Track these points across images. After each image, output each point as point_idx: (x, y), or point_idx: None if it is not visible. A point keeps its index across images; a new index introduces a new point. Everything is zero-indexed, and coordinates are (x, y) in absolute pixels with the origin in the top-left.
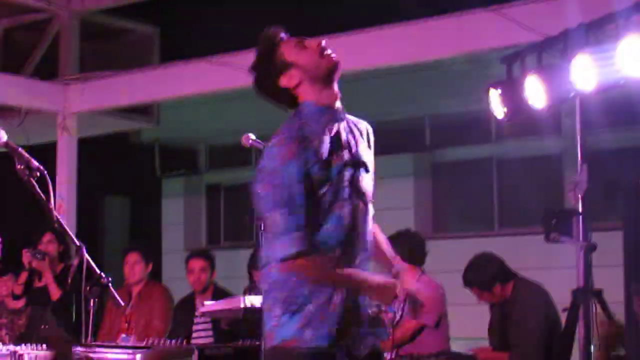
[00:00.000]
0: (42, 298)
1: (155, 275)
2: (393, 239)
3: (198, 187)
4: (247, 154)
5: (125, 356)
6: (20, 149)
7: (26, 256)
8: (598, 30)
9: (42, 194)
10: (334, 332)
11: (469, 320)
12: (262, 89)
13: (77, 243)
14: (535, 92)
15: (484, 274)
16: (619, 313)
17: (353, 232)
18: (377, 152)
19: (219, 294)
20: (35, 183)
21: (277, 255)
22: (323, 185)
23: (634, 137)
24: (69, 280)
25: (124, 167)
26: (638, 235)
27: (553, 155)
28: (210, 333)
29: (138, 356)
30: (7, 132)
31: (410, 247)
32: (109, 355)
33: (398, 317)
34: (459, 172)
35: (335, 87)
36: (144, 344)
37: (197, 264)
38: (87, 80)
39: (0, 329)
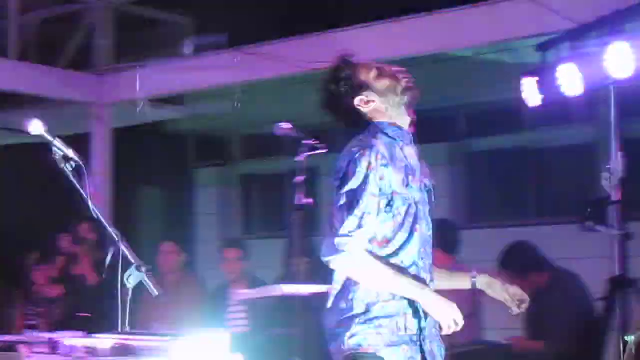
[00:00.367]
0: (79, 285)
1: (190, 265)
2: None
3: (232, 177)
4: (280, 143)
5: (160, 343)
6: (56, 139)
7: (64, 241)
8: (634, 17)
9: (78, 184)
10: None
11: (504, 310)
12: (332, 107)
13: (114, 232)
14: (570, 80)
15: (519, 261)
16: None
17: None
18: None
19: (253, 283)
20: (71, 173)
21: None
22: (401, 203)
23: None
24: (106, 269)
25: (157, 158)
26: None
27: (589, 143)
28: (244, 322)
29: (172, 343)
30: (43, 123)
31: (445, 236)
32: (144, 343)
33: None
34: (494, 162)
35: (410, 110)
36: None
37: (231, 253)
38: (122, 71)
39: (37, 318)
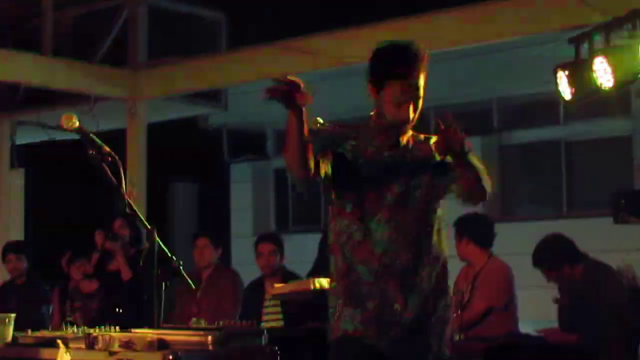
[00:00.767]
0: (115, 281)
1: (225, 260)
2: (461, 222)
3: (266, 172)
4: None
5: (197, 337)
6: (91, 134)
7: (99, 237)
8: None
9: (113, 179)
10: None
11: (538, 302)
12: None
13: (149, 227)
14: (604, 73)
15: (554, 255)
16: None
17: None
18: None
19: (288, 277)
20: (107, 168)
21: None
22: None
23: None
24: (141, 264)
25: (192, 153)
26: None
27: (622, 136)
28: (279, 316)
29: (209, 337)
30: (78, 119)
31: (479, 229)
32: (181, 337)
33: (466, 299)
34: (527, 155)
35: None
36: (214, 326)
37: (266, 247)
38: (156, 66)
39: (74, 313)
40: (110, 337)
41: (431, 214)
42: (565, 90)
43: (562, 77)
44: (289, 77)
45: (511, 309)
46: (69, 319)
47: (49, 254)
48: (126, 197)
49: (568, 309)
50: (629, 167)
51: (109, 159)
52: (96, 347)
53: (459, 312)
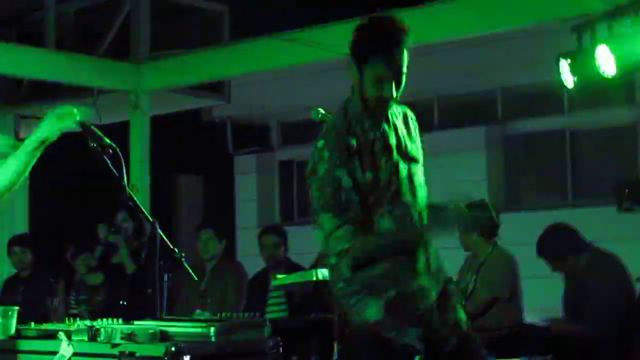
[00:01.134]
0: (119, 274)
1: (230, 252)
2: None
3: (270, 164)
4: (319, 129)
5: (199, 329)
6: (93, 127)
7: (102, 230)
8: None
9: (115, 172)
10: None
11: (543, 292)
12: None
13: (150, 219)
14: (607, 62)
15: (557, 244)
16: None
17: None
18: (450, 126)
19: (293, 269)
20: (108, 161)
21: None
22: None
23: None
24: (143, 256)
25: (196, 145)
26: None
27: (627, 125)
28: (283, 307)
29: (212, 329)
30: (78, 112)
31: (484, 219)
32: (183, 329)
33: (471, 289)
34: (532, 144)
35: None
36: (217, 317)
37: (270, 239)
38: (159, 59)
39: (79, 305)
40: (112, 329)
41: None
42: (567, 79)
43: (564, 66)
44: None
45: (516, 299)
46: (74, 311)
47: (54, 247)
48: (127, 189)
49: (573, 298)
50: (633, 156)
51: (110, 151)
52: (98, 339)
53: (463, 302)
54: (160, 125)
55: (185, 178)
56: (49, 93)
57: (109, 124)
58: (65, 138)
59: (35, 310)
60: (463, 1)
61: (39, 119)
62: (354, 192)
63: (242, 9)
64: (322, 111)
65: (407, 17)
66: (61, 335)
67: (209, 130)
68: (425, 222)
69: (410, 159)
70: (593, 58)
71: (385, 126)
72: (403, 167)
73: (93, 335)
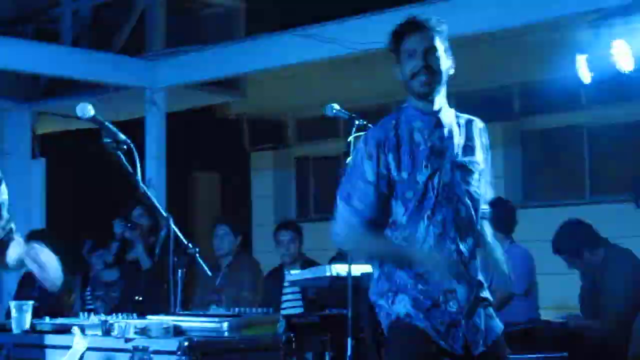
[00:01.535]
0: (133, 270)
1: (245, 248)
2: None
3: (287, 160)
4: (335, 125)
5: (213, 324)
6: (106, 122)
7: (118, 226)
8: None
9: (129, 167)
10: None
11: (559, 289)
12: None
13: (165, 214)
14: (624, 56)
15: (573, 240)
16: None
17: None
18: None
19: (308, 265)
20: (122, 156)
21: None
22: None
23: None
24: (157, 252)
25: (211, 142)
26: None
27: None
28: (298, 303)
29: (225, 324)
30: (96, 109)
31: (501, 215)
32: (197, 324)
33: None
34: (549, 140)
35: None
36: (230, 312)
37: (286, 235)
38: (174, 55)
39: (95, 301)
40: (126, 323)
41: None
42: (584, 74)
43: (581, 62)
44: None
45: (532, 296)
46: (90, 307)
47: (70, 243)
48: (141, 184)
49: (590, 295)
50: None
51: (125, 146)
52: (112, 333)
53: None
54: (175, 122)
55: (201, 175)
56: (67, 90)
57: (125, 121)
58: (84, 134)
59: (51, 305)
60: None
61: (55, 115)
62: (372, 187)
63: (258, 5)
64: (336, 107)
65: (424, 13)
66: (75, 329)
67: (225, 126)
68: (465, 233)
69: (460, 167)
70: (610, 53)
71: (437, 129)
72: (446, 173)
73: (107, 329)
